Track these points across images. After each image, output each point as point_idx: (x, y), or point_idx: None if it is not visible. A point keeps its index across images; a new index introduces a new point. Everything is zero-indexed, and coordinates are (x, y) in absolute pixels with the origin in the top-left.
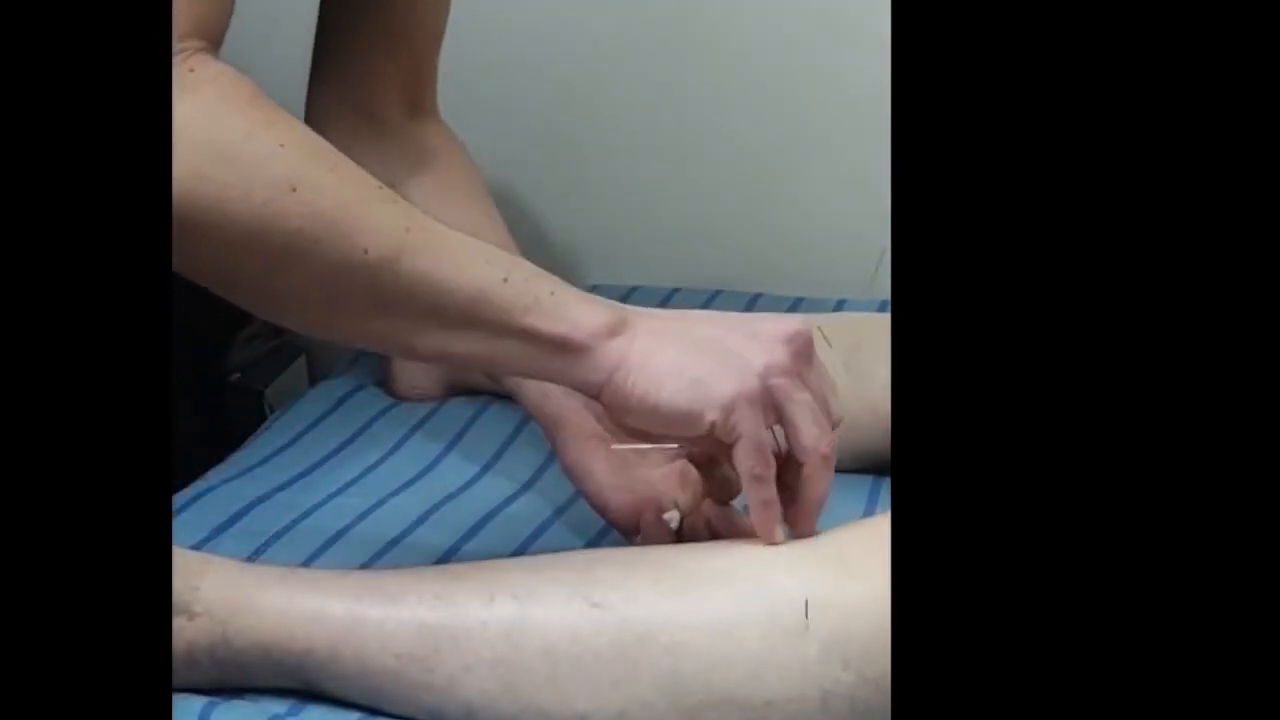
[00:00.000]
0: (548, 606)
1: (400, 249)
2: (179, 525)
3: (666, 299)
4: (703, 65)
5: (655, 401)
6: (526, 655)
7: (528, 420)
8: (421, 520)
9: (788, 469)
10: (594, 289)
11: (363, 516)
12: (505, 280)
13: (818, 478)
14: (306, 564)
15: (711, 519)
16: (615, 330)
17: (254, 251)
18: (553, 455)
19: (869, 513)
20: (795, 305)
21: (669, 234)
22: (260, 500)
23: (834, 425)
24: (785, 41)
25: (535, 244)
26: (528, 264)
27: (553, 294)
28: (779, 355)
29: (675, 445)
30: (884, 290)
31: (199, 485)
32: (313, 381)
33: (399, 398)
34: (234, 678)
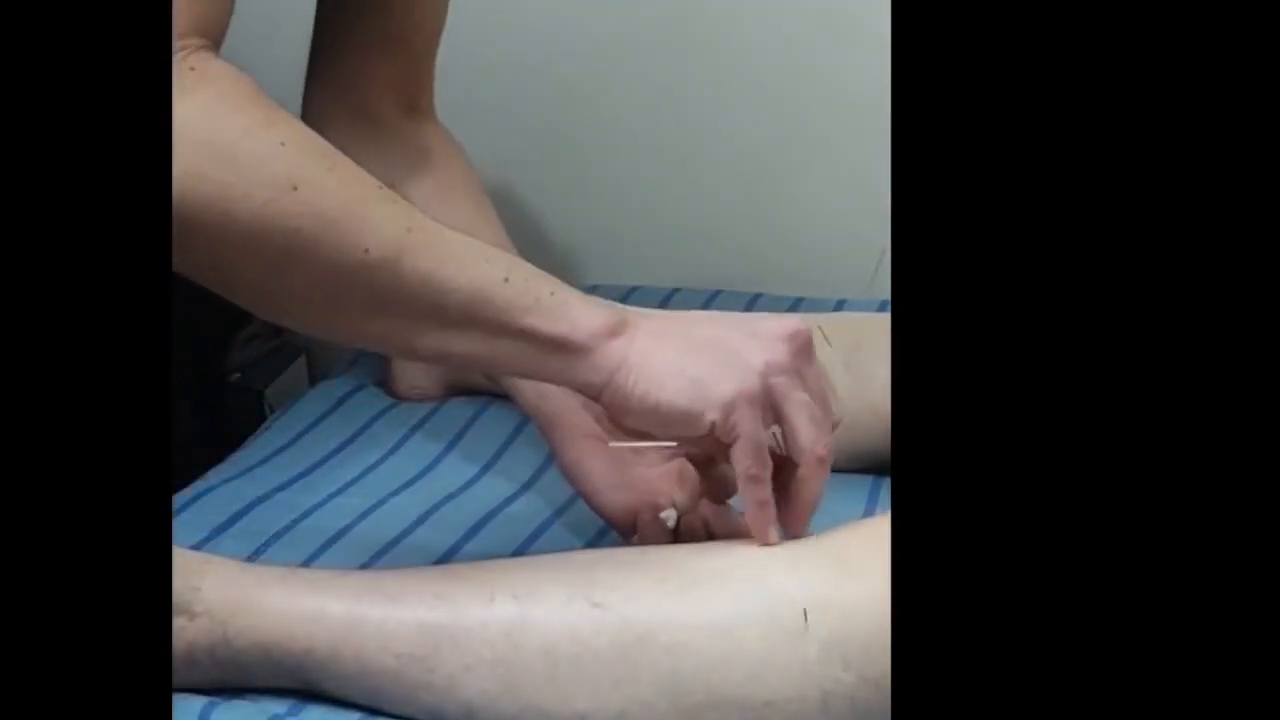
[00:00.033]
0: (548, 606)
1: (401, 249)
2: (179, 525)
3: (666, 299)
4: (703, 65)
5: (656, 401)
6: (526, 655)
7: (527, 420)
8: (421, 520)
9: (783, 469)
10: (594, 289)
11: (363, 516)
12: (506, 280)
13: (813, 479)
14: (306, 564)
15: (708, 518)
16: (615, 331)
17: (254, 251)
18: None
19: (869, 513)
20: (795, 305)
21: (669, 234)
22: (260, 500)
23: (833, 426)
24: (785, 41)
25: (535, 244)
26: (528, 264)
27: (553, 294)
28: (779, 354)
29: (673, 444)
30: (884, 290)
31: (199, 485)
32: (313, 381)
33: (399, 398)
34: (234, 678)
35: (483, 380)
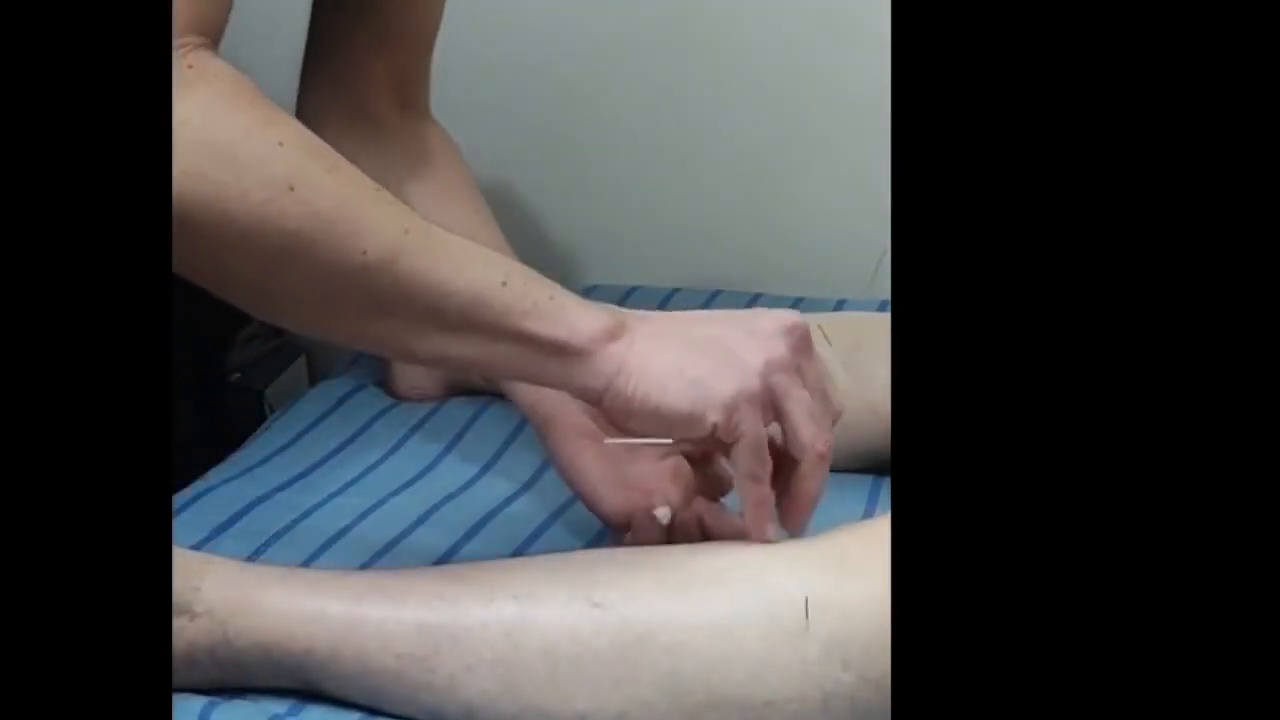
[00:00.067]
0: (548, 607)
1: (398, 250)
2: (179, 525)
3: (666, 299)
4: (703, 65)
5: (657, 404)
6: (527, 655)
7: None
8: (421, 520)
9: (783, 465)
10: (594, 289)
11: (363, 516)
12: (504, 284)
13: (813, 476)
14: (306, 564)
15: (703, 516)
16: (614, 335)
17: (251, 251)
18: None
19: (869, 513)
20: (795, 305)
21: (669, 234)
22: (260, 500)
23: (835, 418)
24: (785, 41)
25: (535, 244)
26: (526, 268)
27: (551, 298)
28: (778, 351)
29: (668, 441)
30: (884, 290)
31: (199, 485)
32: (313, 381)
33: (399, 398)
34: (234, 678)
35: (482, 380)
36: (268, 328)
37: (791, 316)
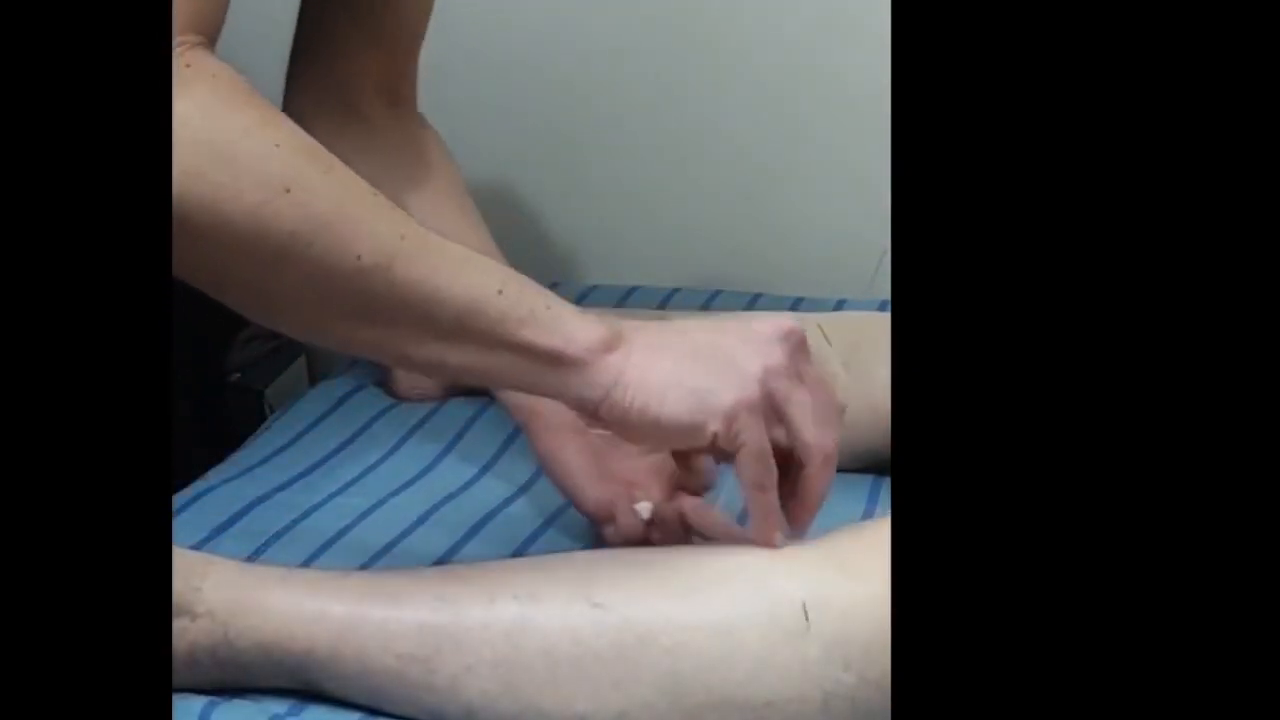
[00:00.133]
0: (548, 607)
1: (394, 256)
2: (179, 525)
3: (666, 299)
4: (703, 65)
5: (656, 415)
6: (527, 656)
7: None
8: (421, 520)
9: (788, 467)
10: (594, 289)
11: (363, 516)
12: (500, 292)
13: (820, 477)
14: (307, 564)
15: (685, 510)
16: (610, 345)
17: (247, 252)
18: None
19: (869, 513)
20: (795, 305)
21: (669, 234)
22: (260, 500)
23: (840, 412)
24: (785, 41)
25: (535, 244)
26: (522, 276)
27: (548, 307)
28: (776, 357)
29: None
30: (884, 290)
31: (199, 485)
32: (313, 381)
33: (399, 398)
34: (235, 678)
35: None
36: (267, 328)
37: (787, 321)
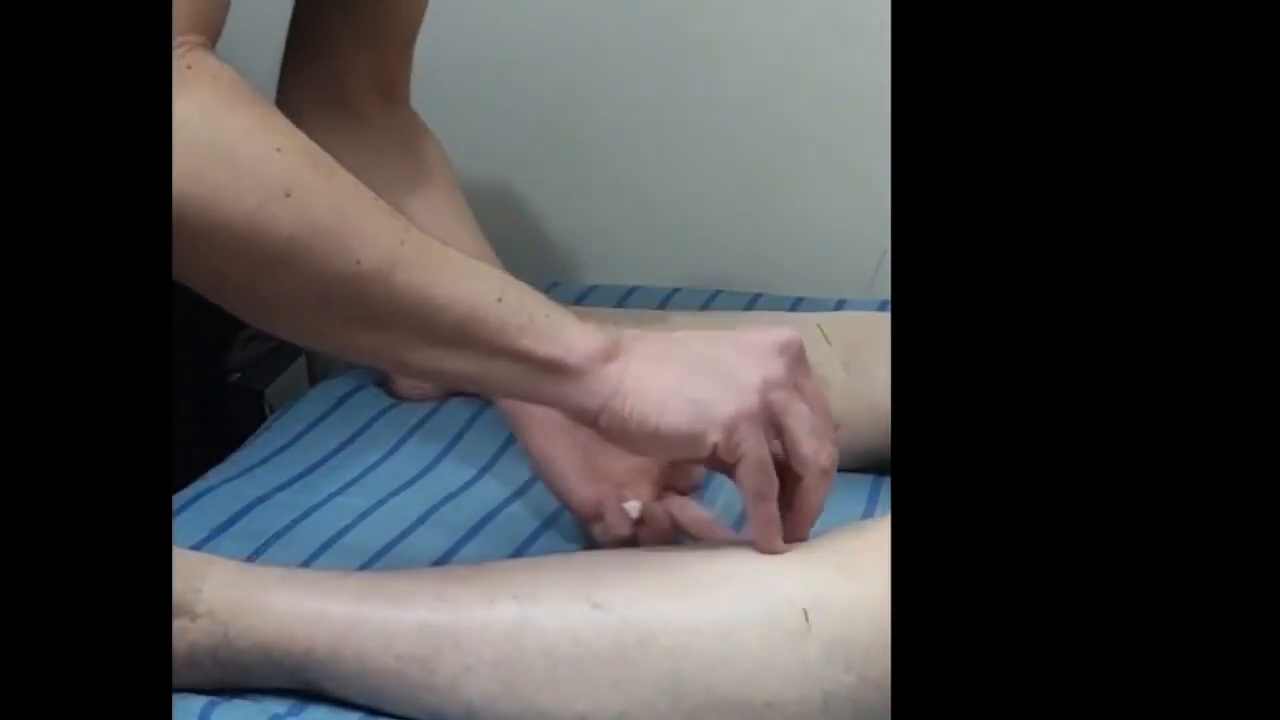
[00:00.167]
0: (549, 607)
1: (394, 262)
2: (179, 525)
3: (666, 299)
4: (703, 65)
5: (655, 426)
6: (527, 656)
7: None
8: (421, 520)
9: (785, 479)
10: (594, 289)
11: (363, 516)
12: (500, 299)
13: (816, 490)
14: (307, 564)
15: (673, 510)
16: (610, 355)
17: (245, 256)
18: None
19: (869, 513)
20: (795, 305)
21: (669, 234)
22: (260, 500)
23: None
24: (785, 41)
25: (535, 244)
26: (521, 284)
27: (547, 316)
28: (775, 368)
29: None
30: (884, 290)
31: (199, 485)
32: (313, 381)
33: (399, 398)
34: (235, 678)
35: None
36: None
37: (785, 332)
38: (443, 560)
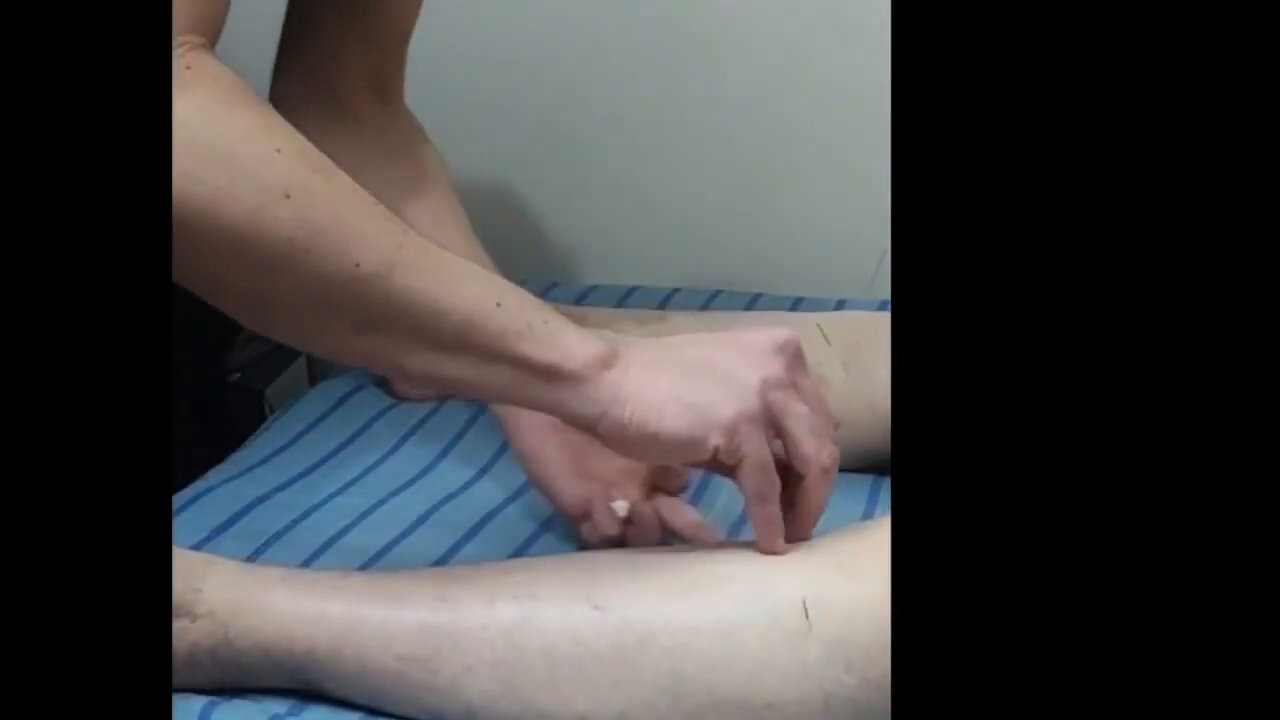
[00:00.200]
0: (549, 608)
1: (392, 265)
2: (179, 525)
3: (666, 299)
4: (702, 65)
5: (656, 431)
6: (527, 656)
7: None
8: (421, 521)
9: (787, 479)
10: (594, 289)
11: (363, 516)
12: (499, 305)
13: (818, 489)
14: (307, 564)
15: (660, 510)
16: (608, 362)
17: (244, 257)
18: None
19: (869, 513)
20: (795, 305)
21: (669, 234)
22: (260, 500)
23: (835, 428)
24: (785, 41)
25: (535, 244)
26: (520, 289)
27: (545, 322)
28: (773, 369)
29: None
30: (884, 290)
31: (199, 485)
32: (313, 381)
33: (399, 398)
34: (235, 678)
35: None
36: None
37: (782, 332)
38: (442, 560)
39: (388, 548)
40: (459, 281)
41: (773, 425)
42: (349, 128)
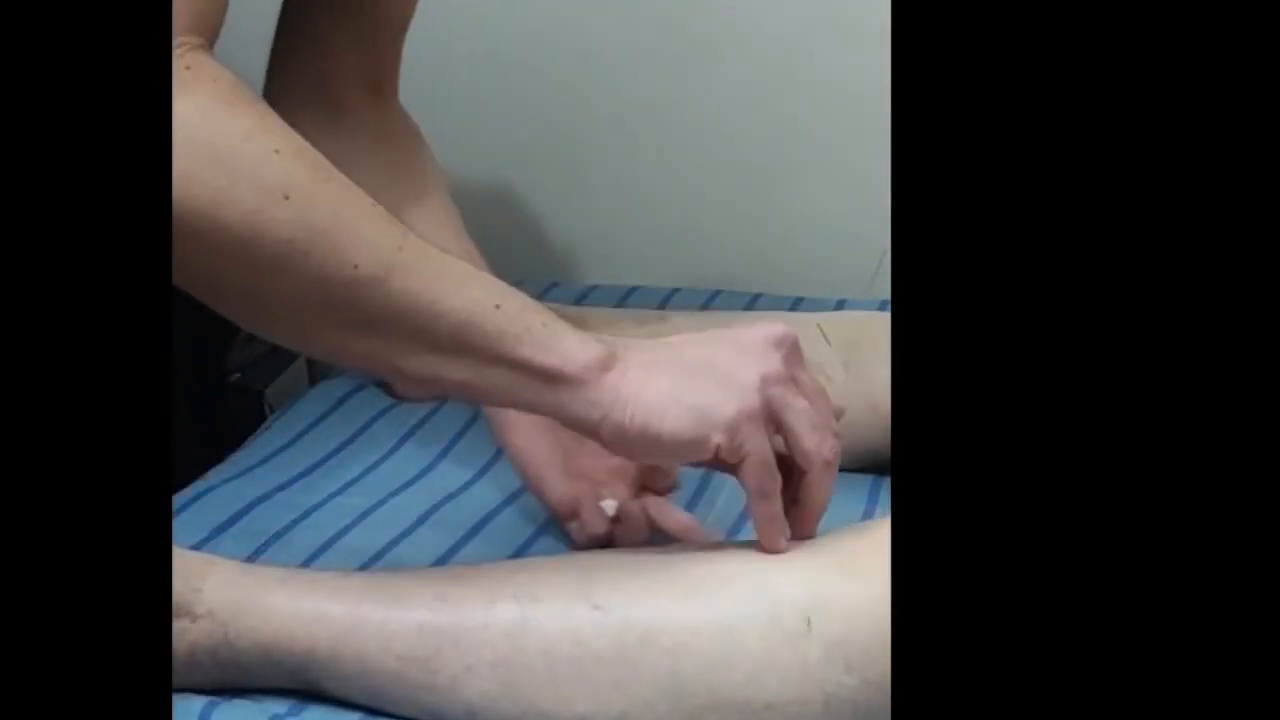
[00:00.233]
0: (549, 608)
1: (391, 267)
2: (179, 525)
3: (666, 299)
4: (702, 65)
5: (657, 432)
6: (528, 656)
7: None
8: (421, 521)
9: (789, 475)
10: (594, 289)
11: (363, 516)
12: (497, 307)
13: (821, 484)
14: (306, 564)
15: (649, 509)
16: (607, 365)
17: (243, 259)
18: None
19: (869, 513)
20: (795, 305)
21: (669, 234)
22: (260, 500)
23: (838, 415)
24: (785, 41)
25: (535, 244)
26: (519, 293)
27: (545, 325)
28: (772, 365)
29: None
30: (884, 290)
31: (199, 485)
32: (313, 381)
33: (398, 398)
34: (235, 678)
35: None
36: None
37: (779, 328)
38: (442, 561)
39: (387, 548)
40: (458, 284)
41: (773, 421)
42: (343, 126)
